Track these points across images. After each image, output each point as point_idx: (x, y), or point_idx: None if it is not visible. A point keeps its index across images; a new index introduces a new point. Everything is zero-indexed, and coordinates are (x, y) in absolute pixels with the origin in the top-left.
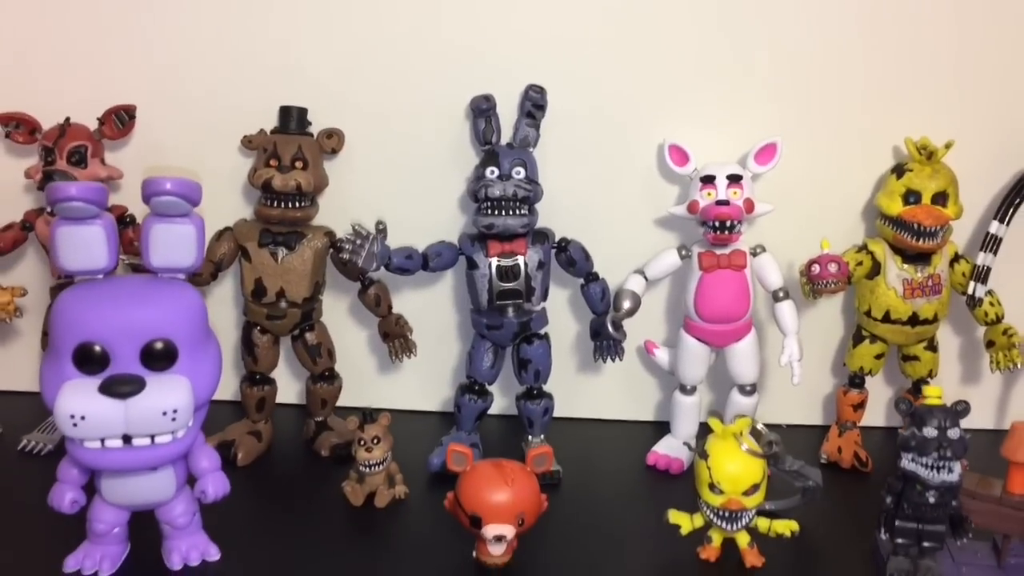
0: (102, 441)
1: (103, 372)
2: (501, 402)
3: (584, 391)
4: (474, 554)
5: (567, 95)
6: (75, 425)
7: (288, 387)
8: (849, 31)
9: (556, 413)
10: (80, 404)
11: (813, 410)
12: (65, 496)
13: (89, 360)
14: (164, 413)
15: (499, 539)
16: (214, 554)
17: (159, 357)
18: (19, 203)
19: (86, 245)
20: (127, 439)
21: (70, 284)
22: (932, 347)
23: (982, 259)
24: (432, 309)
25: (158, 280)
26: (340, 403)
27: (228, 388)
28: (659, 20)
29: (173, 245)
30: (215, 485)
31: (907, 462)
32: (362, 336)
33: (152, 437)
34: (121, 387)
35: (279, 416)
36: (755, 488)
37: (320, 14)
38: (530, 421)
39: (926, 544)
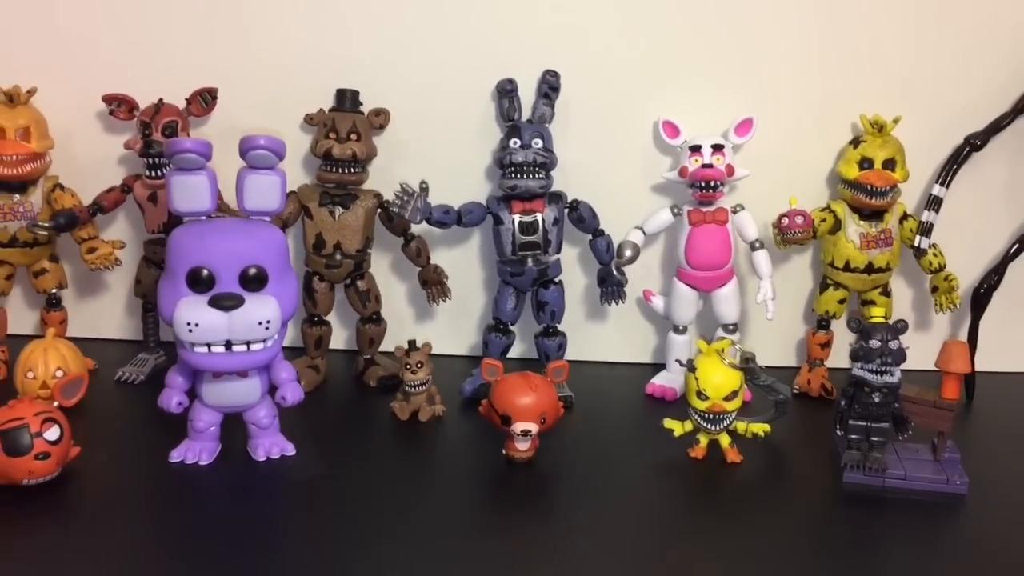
0: (209, 347)
1: (210, 291)
2: (520, 347)
3: (591, 337)
4: (503, 451)
5: (578, 79)
6: (190, 331)
7: (337, 335)
8: (812, 26)
9: (566, 356)
10: (194, 314)
11: (788, 353)
12: (172, 399)
13: (199, 281)
14: (260, 323)
15: (525, 434)
16: (290, 450)
17: (254, 280)
18: (116, 171)
19: (194, 190)
20: (228, 346)
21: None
22: (886, 293)
23: (926, 216)
24: (461, 268)
25: (250, 221)
26: (382, 348)
27: (287, 335)
28: (655, 16)
29: (263, 192)
30: (292, 392)
31: (856, 369)
32: (403, 289)
33: (248, 344)
34: (226, 302)
35: (331, 359)
36: (734, 394)
37: (370, 12)
38: (546, 355)
39: (874, 439)
